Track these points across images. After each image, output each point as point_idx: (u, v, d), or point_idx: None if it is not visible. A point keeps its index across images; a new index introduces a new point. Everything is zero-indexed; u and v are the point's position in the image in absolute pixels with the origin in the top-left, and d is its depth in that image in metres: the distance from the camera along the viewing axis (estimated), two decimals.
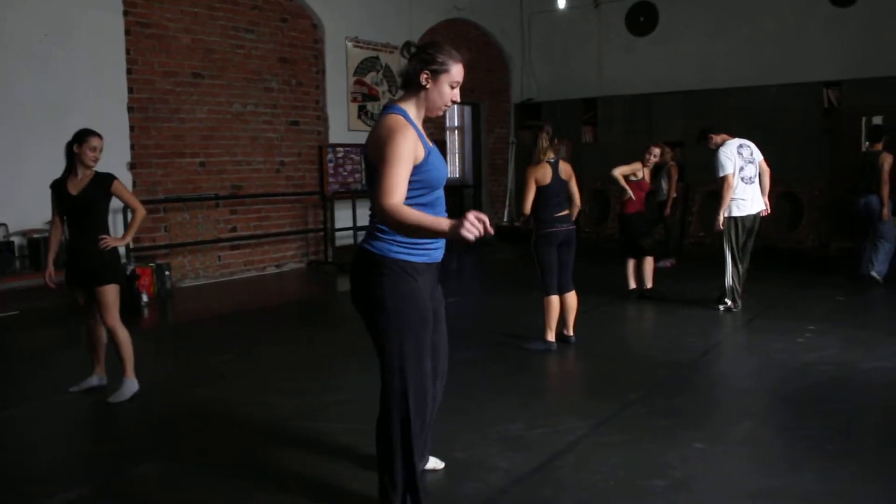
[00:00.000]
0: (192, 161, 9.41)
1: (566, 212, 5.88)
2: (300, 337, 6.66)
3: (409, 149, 2.77)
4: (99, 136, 4.94)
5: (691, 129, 12.75)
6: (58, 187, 4.89)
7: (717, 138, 7.26)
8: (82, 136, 4.90)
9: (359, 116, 11.59)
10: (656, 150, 7.94)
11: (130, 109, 8.69)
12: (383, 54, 11.95)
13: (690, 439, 3.93)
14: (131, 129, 8.70)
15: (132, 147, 8.73)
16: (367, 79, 11.70)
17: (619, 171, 7.69)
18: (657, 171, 10.65)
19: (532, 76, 14.86)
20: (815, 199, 11.80)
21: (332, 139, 11.10)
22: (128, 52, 8.64)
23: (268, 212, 10.37)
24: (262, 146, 10.22)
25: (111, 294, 4.81)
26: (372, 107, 11.81)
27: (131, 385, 4.87)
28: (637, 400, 4.62)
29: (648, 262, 7.91)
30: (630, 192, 7.71)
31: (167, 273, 8.67)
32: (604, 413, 4.38)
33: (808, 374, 5.08)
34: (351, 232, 10.67)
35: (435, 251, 3.00)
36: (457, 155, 14.92)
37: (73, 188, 4.84)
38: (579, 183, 6.27)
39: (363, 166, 2.85)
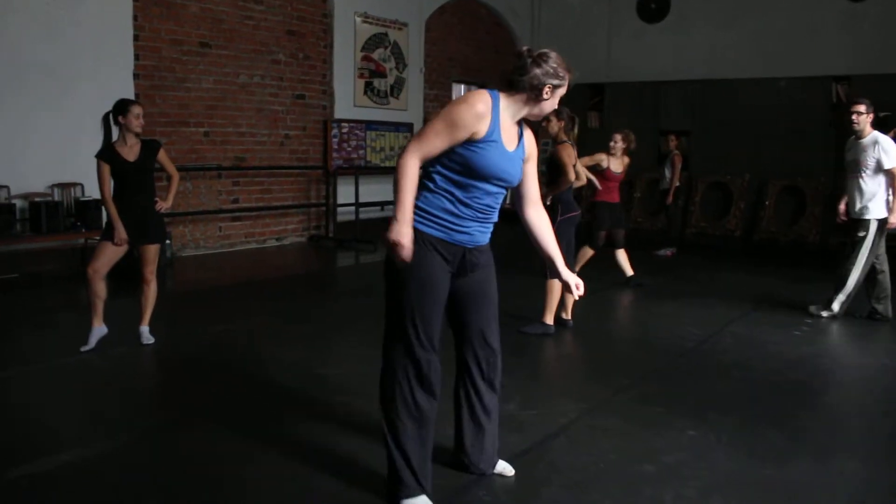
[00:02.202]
0: (197, 131, 9.39)
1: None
2: (299, 309, 6.68)
3: (464, 116, 2.80)
4: (139, 103, 5.30)
5: (698, 118, 12.78)
6: (111, 156, 5.07)
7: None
8: (126, 106, 5.16)
9: (365, 92, 11.55)
10: (618, 137, 7.65)
11: (136, 76, 8.66)
12: (392, 31, 11.89)
13: (683, 426, 3.95)
14: (136, 96, 8.66)
15: None
16: (375, 55, 11.65)
17: (581, 163, 7.61)
18: (661, 159, 10.64)
19: None
20: (819, 194, 11.78)
21: (338, 114, 11.07)
22: (135, 18, 8.60)
23: (270, 184, 10.37)
24: (267, 118, 10.19)
25: (158, 251, 5.38)
26: (379, 83, 11.76)
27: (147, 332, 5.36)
28: (631, 385, 4.64)
29: (620, 254, 7.88)
30: (597, 182, 7.52)
31: (168, 242, 8.66)
32: (597, 397, 4.40)
33: (803, 367, 5.10)
34: (353, 208, 10.66)
35: (457, 233, 2.95)
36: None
37: (129, 155, 5.11)
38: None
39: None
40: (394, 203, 2.83)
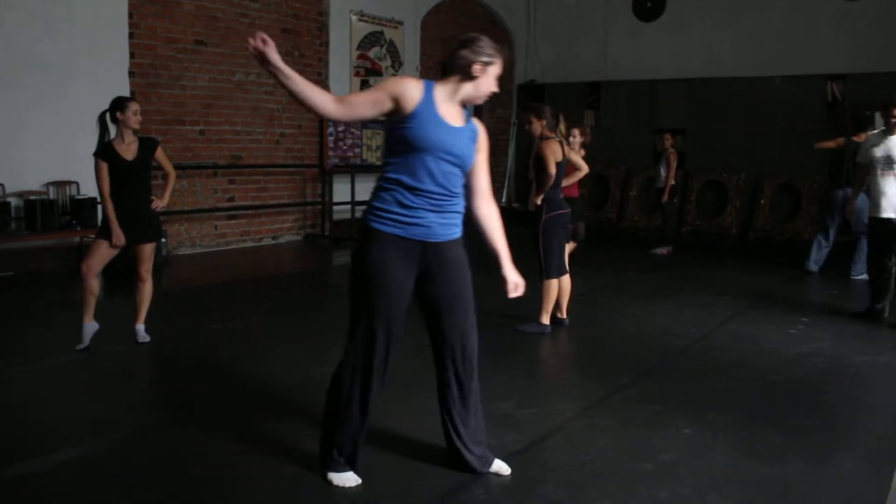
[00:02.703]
0: (192, 129, 9.37)
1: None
2: (294, 308, 6.67)
3: (390, 83, 2.97)
4: (136, 100, 5.30)
5: (694, 117, 12.79)
6: (111, 155, 5.05)
7: None
8: (123, 103, 5.15)
9: (361, 90, 11.53)
10: (576, 131, 7.70)
11: (131, 74, 8.63)
12: (388, 29, 11.88)
13: (679, 425, 3.95)
14: (132, 94, 8.62)
15: None
16: (371, 53, 11.64)
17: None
18: (657, 157, 10.63)
19: (536, 57, 14.78)
20: (814, 192, 11.80)
21: None
22: (130, 16, 8.57)
23: (266, 183, 10.35)
24: (263, 117, 10.17)
25: (153, 249, 5.37)
26: (374, 81, 11.75)
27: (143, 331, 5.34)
28: (628, 384, 4.63)
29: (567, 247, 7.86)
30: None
31: (163, 240, 8.63)
32: (594, 396, 4.40)
33: (799, 365, 5.10)
34: (349, 206, 10.65)
35: (413, 227, 3.00)
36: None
37: (127, 154, 5.09)
38: None
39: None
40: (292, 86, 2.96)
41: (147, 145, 5.20)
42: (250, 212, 10.16)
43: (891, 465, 3.53)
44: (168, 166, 5.45)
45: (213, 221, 9.77)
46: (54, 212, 7.63)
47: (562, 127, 5.91)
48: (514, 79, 14.92)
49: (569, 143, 6.35)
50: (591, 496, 3.16)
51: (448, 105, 3.04)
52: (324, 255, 9.86)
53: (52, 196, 7.79)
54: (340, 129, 11.07)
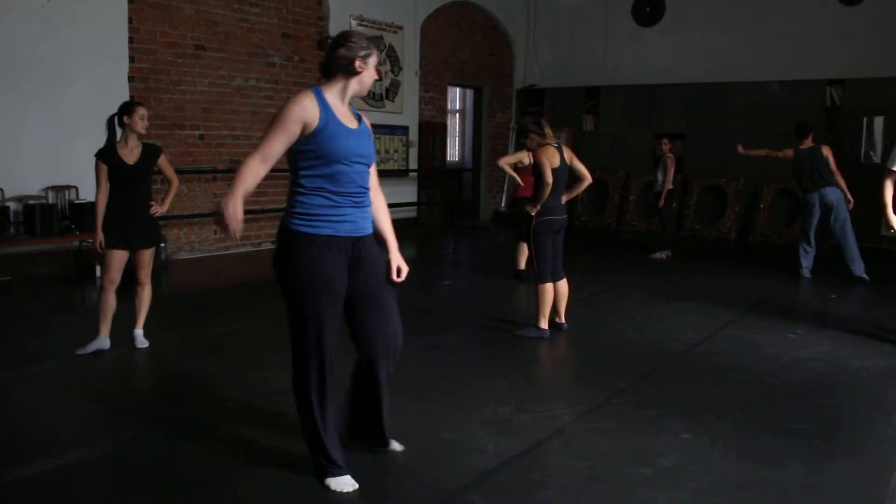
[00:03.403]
0: (192, 133, 9.38)
1: (564, 199, 5.91)
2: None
3: (291, 110, 3.04)
4: (144, 105, 5.28)
5: (693, 121, 12.80)
6: (110, 157, 5.06)
7: None
8: (131, 108, 5.16)
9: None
10: (534, 136, 7.90)
11: (131, 79, 8.65)
12: (388, 34, 11.89)
13: (678, 429, 3.95)
14: (131, 98, 8.65)
15: None
16: None
17: (504, 161, 8.09)
18: (656, 162, 10.61)
19: (535, 62, 14.80)
20: None
21: None
22: (130, 20, 8.59)
23: (265, 187, 10.32)
24: (263, 121, 10.17)
25: (153, 254, 5.37)
26: (374, 86, 11.75)
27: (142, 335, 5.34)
28: (626, 388, 4.63)
29: (522, 246, 8.06)
30: (518, 179, 7.95)
31: (163, 245, 8.64)
32: (593, 400, 4.40)
33: (797, 370, 5.10)
34: None
35: (341, 224, 3.14)
36: (457, 139, 14.88)
37: (128, 157, 5.10)
38: None
39: None
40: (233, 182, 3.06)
41: (150, 151, 5.21)
42: (249, 216, 10.15)
43: (890, 471, 3.54)
44: (171, 174, 5.45)
45: (213, 226, 9.77)
46: (53, 216, 7.63)
47: (547, 130, 5.89)
48: (513, 83, 14.94)
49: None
50: (589, 501, 3.16)
51: (342, 108, 3.18)
52: None
53: (51, 200, 7.80)
54: None
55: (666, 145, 10.50)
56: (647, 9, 13.57)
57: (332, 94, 3.17)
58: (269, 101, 10.20)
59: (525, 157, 7.77)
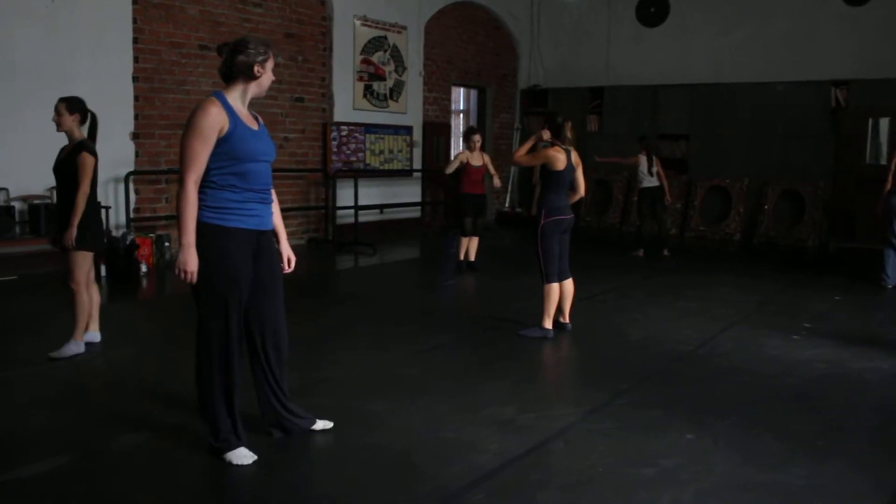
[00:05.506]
0: None
1: (570, 199, 5.93)
2: (297, 313, 6.64)
3: (205, 122, 3.22)
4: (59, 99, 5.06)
5: (697, 122, 12.79)
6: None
7: None
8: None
9: (364, 95, 11.55)
10: (477, 137, 8.63)
11: (135, 79, 8.66)
12: (391, 34, 11.90)
13: (681, 430, 3.95)
14: (136, 98, 8.68)
15: (136, 117, 8.72)
16: (374, 58, 11.66)
17: (452, 163, 8.68)
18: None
19: (539, 62, 14.80)
20: (818, 199, 11.79)
21: (337, 117, 11.07)
22: (134, 20, 8.61)
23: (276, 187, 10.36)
24: (266, 121, 9.99)
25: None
26: (378, 86, 11.77)
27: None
28: (629, 389, 4.63)
29: (473, 241, 8.72)
30: (497, 178, 8.93)
31: (167, 244, 8.66)
32: (596, 401, 4.39)
33: (800, 371, 5.09)
34: (352, 211, 10.65)
35: (251, 218, 3.35)
36: (461, 138, 14.85)
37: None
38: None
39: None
40: (179, 230, 3.24)
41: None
42: None
43: (893, 473, 3.53)
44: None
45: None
46: None
47: (568, 134, 5.90)
48: (517, 84, 14.94)
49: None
50: (592, 501, 3.16)
51: (243, 111, 3.40)
52: (327, 259, 9.87)
53: (55, 200, 7.80)
54: (344, 133, 11.09)
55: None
56: (652, 9, 13.56)
57: (234, 99, 3.38)
58: (273, 101, 10.21)
59: (468, 156, 8.51)
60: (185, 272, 3.22)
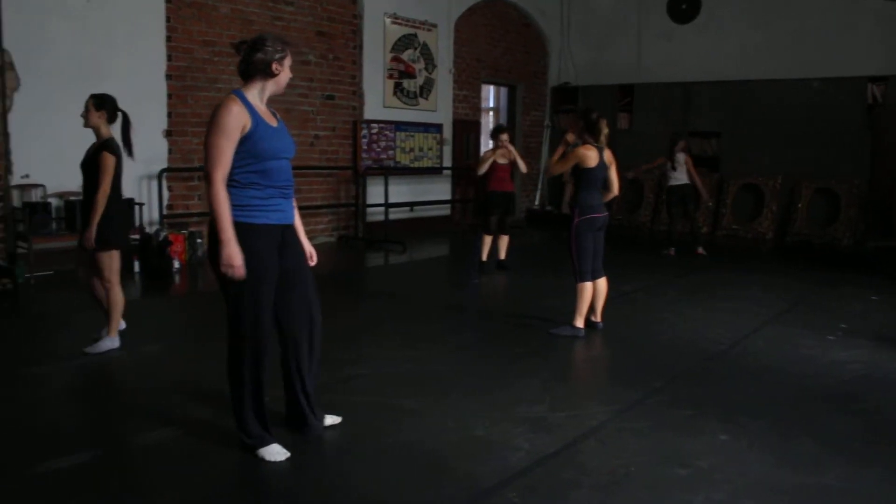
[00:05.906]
0: None
1: (604, 198, 5.89)
2: (328, 309, 6.65)
3: (229, 120, 3.24)
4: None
5: (729, 120, 12.65)
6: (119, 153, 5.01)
7: None
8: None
9: (394, 93, 11.58)
10: (504, 136, 8.55)
11: (168, 77, 8.76)
12: (421, 32, 11.91)
13: (714, 430, 3.91)
14: (169, 96, 8.78)
15: (169, 115, 8.81)
16: (405, 56, 11.68)
17: (483, 164, 8.58)
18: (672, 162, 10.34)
19: (570, 60, 14.73)
20: (854, 196, 11.61)
21: (367, 115, 11.11)
22: (168, 19, 8.70)
23: (300, 185, 10.39)
24: (297, 119, 10.25)
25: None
26: (408, 84, 11.79)
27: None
28: (661, 388, 4.59)
29: (503, 239, 8.67)
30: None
31: (199, 241, 8.75)
32: (628, 400, 4.36)
33: (836, 372, 5.02)
34: (382, 208, 10.68)
35: (275, 213, 3.38)
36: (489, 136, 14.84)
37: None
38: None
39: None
40: (216, 222, 3.23)
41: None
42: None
43: None
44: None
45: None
46: None
47: (605, 130, 5.85)
48: (547, 81, 14.88)
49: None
50: (624, 500, 3.14)
51: (262, 108, 3.42)
52: (357, 257, 9.91)
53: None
54: (374, 131, 11.12)
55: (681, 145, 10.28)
56: (683, 6, 13.43)
57: (253, 96, 3.40)
58: (304, 99, 10.27)
59: (494, 155, 8.46)
60: (232, 267, 3.21)
